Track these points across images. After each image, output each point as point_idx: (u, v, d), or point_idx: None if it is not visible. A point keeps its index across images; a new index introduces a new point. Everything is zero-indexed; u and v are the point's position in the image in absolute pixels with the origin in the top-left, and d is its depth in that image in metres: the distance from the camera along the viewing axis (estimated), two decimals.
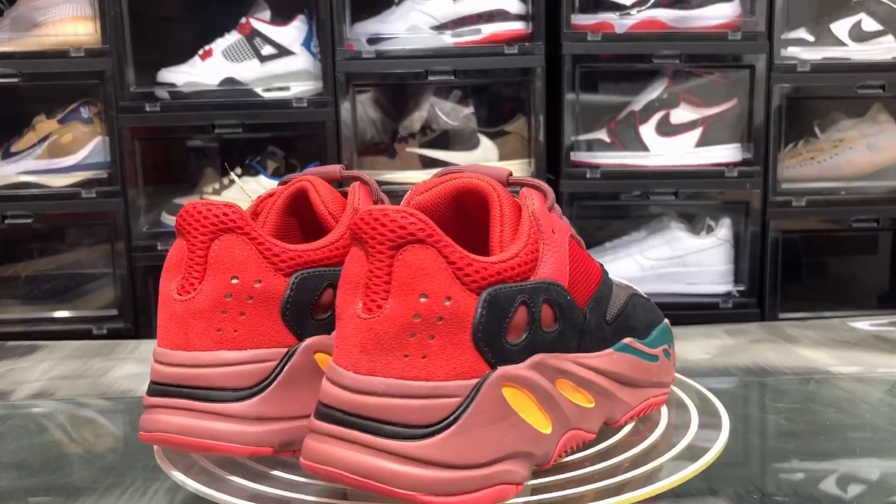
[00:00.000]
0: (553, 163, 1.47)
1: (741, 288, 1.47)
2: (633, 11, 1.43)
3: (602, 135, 1.48)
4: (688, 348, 0.83)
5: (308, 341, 0.47)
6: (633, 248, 1.48)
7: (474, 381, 0.40)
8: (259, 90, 1.44)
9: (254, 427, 0.46)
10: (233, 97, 1.43)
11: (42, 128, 1.47)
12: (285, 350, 0.47)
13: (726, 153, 1.46)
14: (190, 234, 0.46)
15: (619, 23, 1.42)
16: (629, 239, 1.50)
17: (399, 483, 0.39)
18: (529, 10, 1.43)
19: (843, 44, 1.46)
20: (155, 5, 1.55)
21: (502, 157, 1.49)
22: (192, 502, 0.51)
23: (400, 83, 1.51)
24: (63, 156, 1.45)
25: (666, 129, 1.46)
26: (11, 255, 1.54)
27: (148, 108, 1.41)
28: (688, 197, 1.46)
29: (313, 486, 0.47)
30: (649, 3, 1.43)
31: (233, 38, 1.46)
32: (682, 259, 1.46)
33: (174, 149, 1.66)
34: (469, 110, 1.51)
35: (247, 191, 1.44)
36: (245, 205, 0.51)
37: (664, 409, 0.57)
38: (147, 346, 0.90)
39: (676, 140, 1.46)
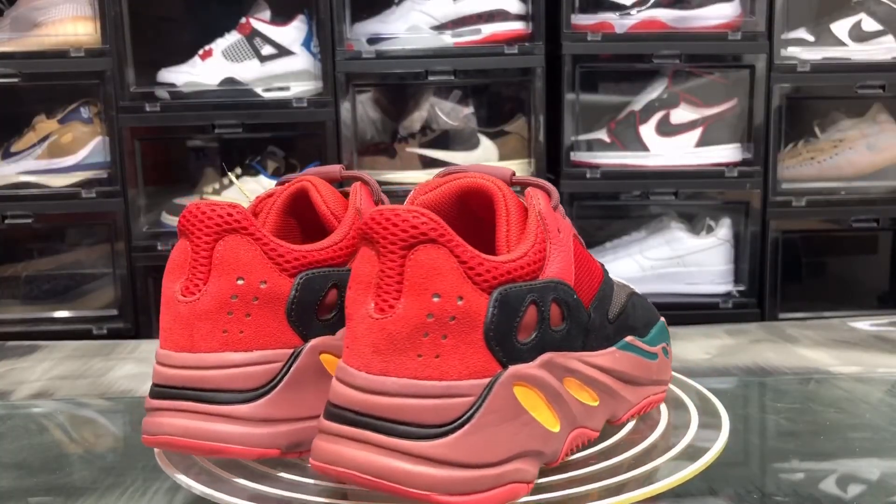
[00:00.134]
0: (553, 163, 1.47)
1: (741, 288, 1.47)
2: (633, 11, 1.43)
3: (602, 135, 1.48)
4: (688, 348, 0.83)
5: (313, 342, 0.47)
6: (633, 248, 1.48)
7: (486, 380, 0.41)
8: (259, 90, 1.44)
9: (261, 429, 0.45)
10: (233, 97, 1.43)
11: (42, 128, 1.47)
12: (291, 351, 0.47)
13: (726, 153, 1.46)
14: (194, 234, 0.45)
15: (619, 23, 1.42)
16: (629, 239, 1.50)
17: (413, 483, 0.39)
18: (529, 10, 1.43)
19: (843, 44, 1.46)
20: (155, 5, 1.55)
21: (502, 157, 1.49)
22: (193, 502, 0.51)
23: (400, 83, 1.51)
24: (63, 156, 1.45)
25: (666, 129, 1.46)
26: (11, 255, 1.54)
27: (148, 108, 1.41)
28: (688, 197, 1.46)
29: (314, 486, 0.47)
30: (649, 3, 1.43)
31: (233, 38, 1.46)
32: (682, 259, 1.46)
33: (174, 149, 1.66)
34: (469, 110, 1.51)
35: (245, 191, 1.44)
36: (244, 205, 0.51)
37: (664, 409, 0.57)
38: (147, 346, 0.90)
39: (676, 140, 1.46)
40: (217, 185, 1.48)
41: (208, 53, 1.45)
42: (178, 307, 0.46)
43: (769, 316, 1.45)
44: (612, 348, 0.50)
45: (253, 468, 0.48)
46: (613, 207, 1.53)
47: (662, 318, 0.56)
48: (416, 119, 1.50)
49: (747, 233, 1.46)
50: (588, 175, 1.43)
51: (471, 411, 0.40)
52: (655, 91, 1.47)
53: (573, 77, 1.42)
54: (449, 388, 0.40)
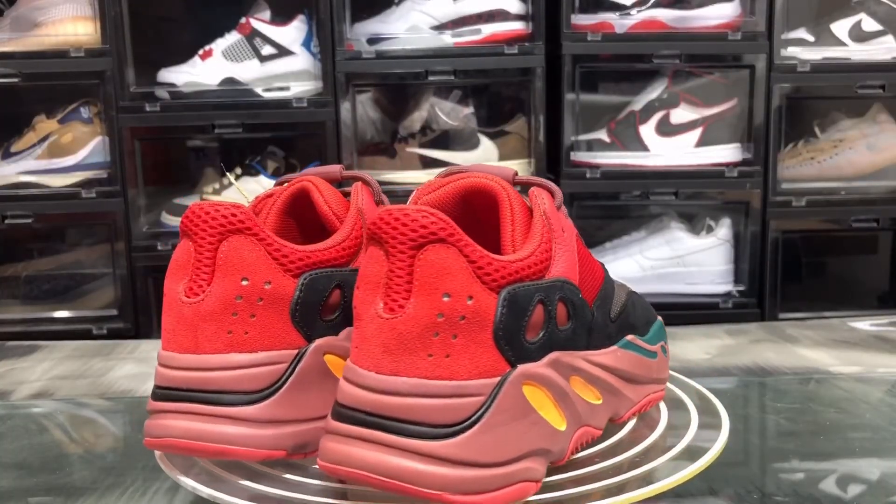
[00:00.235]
0: (553, 163, 1.47)
1: (741, 288, 1.47)
2: (633, 11, 1.43)
3: (602, 135, 1.48)
4: (688, 348, 0.83)
5: (317, 342, 0.47)
6: (633, 248, 1.48)
7: (496, 379, 0.41)
8: (259, 90, 1.44)
9: (267, 430, 0.45)
10: (233, 97, 1.43)
11: (42, 128, 1.47)
12: (295, 352, 0.46)
13: (726, 153, 1.46)
14: (197, 235, 0.45)
15: (619, 23, 1.42)
16: (629, 239, 1.50)
17: (425, 483, 0.39)
18: (529, 10, 1.43)
19: (843, 44, 1.46)
20: (155, 5, 1.55)
21: (502, 157, 1.49)
22: (192, 502, 0.51)
23: (400, 83, 1.51)
24: (63, 156, 1.45)
25: (666, 129, 1.46)
26: (11, 255, 1.54)
27: (148, 108, 1.41)
28: (688, 197, 1.46)
29: (313, 485, 0.47)
30: (649, 3, 1.43)
31: (233, 38, 1.46)
32: (682, 259, 1.46)
33: (174, 149, 1.66)
34: (469, 110, 1.51)
35: (243, 192, 1.44)
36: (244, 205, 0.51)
37: (664, 409, 0.57)
38: (147, 346, 0.90)
39: (676, 140, 1.46)
40: (217, 185, 1.48)
41: (208, 53, 1.45)
42: (182, 308, 0.45)
43: (769, 316, 1.45)
44: (615, 347, 0.50)
45: (253, 468, 0.48)
46: (613, 207, 1.53)
47: (660, 317, 0.57)
48: (416, 119, 1.50)
49: (747, 233, 1.46)
50: (588, 175, 1.43)
51: (481, 411, 0.40)
52: (655, 91, 1.47)
53: (573, 77, 1.42)
54: (459, 388, 0.40)
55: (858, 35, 1.45)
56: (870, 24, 1.45)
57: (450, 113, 1.50)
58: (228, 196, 1.45)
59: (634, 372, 0.52)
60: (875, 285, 1.62)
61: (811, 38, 1.46)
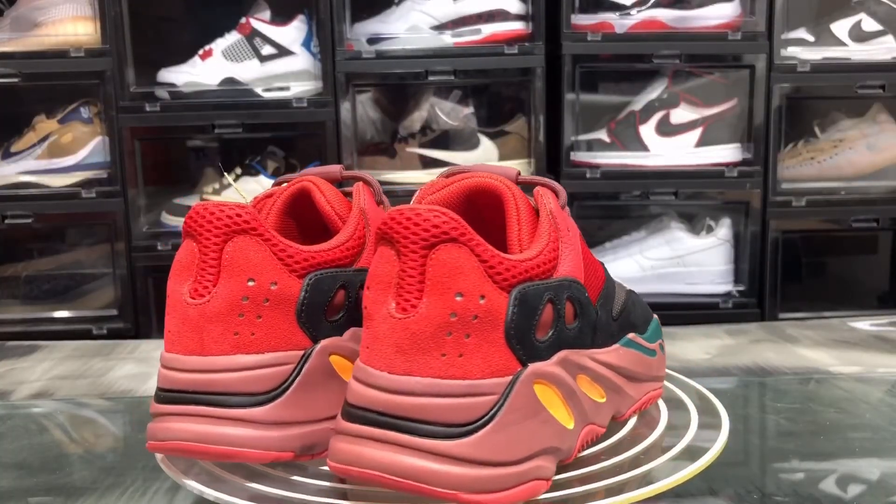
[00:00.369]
0: (553, 163, 1.47)
1: (741, 288, 1.47)
2: (633, 11, 1.43)
3: (602, 135, 1.48)
4: (688, 348, 0.83)
5: (323, 343, 0.47)
6: (633, 248, 1.48)
7: (508, 378, 0.41)
8: (259, 90, 1.44)
9: (274, 432, 0.45)
10: (233, 97, 1.43)
11: (42, 128, 1.47)
12: (301, 352, 0.46)
13: (726, 153, 1.46)
14: (202, 235, 0.45)
15: (619, 23, 1.42)
16: (629, 239, 1.50)
17: (439, 482, 0.39)
18: (529, 10, 1.43)
19: (843, 44, 1.46)
20: (155, 5, 1.55)
21: (502, 157, 1.49)
22: (193, 502, 0.51)
23: (400, 83, 1.51)
24: (63, 156, 1.45)
25: (666, 129, 1.46)
26: (11, 255, 1.54)
27: (148, 108, 1.41)
28: (688, 197, 1.46)
29: (313, 485, 0.47)
30: (649, 3, 1.43)
31: (233, 38, 1.46)
32: (682, 259, 1.46)
33: (174, 149, 1.66)
34: (469, 110, 1.51)
35: (242, 192, 1.44)
36: None
37: (664, 409, 0.57)
38: (147, 346, 0.90)
39: (676, 140, 1.46)
40: (217, 185, 1.48)
41: (208, 53, 1.45)
42: (187, 310, 0.45)
43: (769, 316, 1.45)
44: (617, 345, 0.51)
45: (253, 468, 0.48)
46: (613, 207, 1.53)
47: (655, 315, 0.57)
48: (416, 119, 1.50)
49: (747, 233, 1.46)
50: (588, 175, 1.43)
51: (494, 410, 0.40)
52: (655, 91, 1.47)
53: (573, 77, 1.42)
54: (472, 387, 0.40)
55: (858, 35, 1.45)
56: (870, 24, 1.45)
57: (450, 113, 1.50)
58: (228, 196, 1.45)
59: (636, 370, 0.52)
60: (875, 285, 1.62)
61: (811, 38, 1.46)
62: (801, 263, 1.60)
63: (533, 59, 1.42)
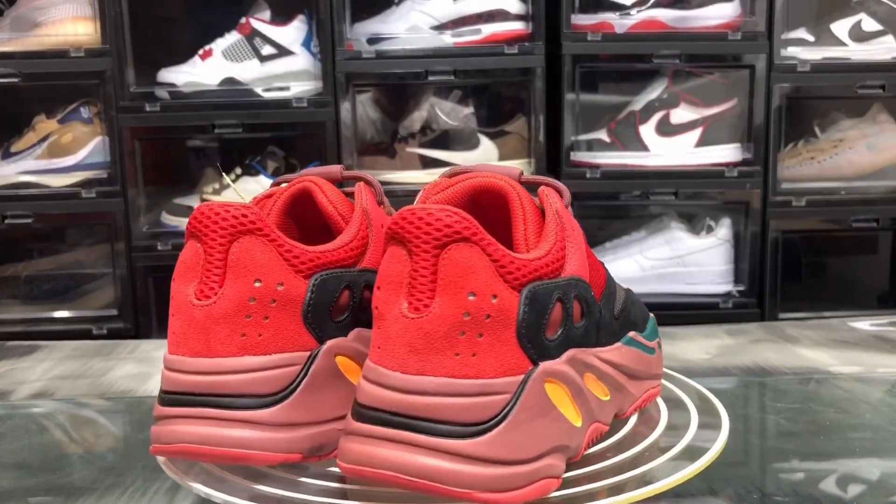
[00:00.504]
0: (553, 163, 1.47)
1: (741, 288, 1.47)
2: (633, 11, 1.43)
3: (602, 135, 1.48)
4: (688, 348, 0.83)
5: (329, 344, 0.47)
6: (633, 248, 1.48)
7: (520, 377, 0.41)
8: (259, 90, 1.44)
9: (282, 433, 0.44)
10: (233, 97, 1.43)
11: (42, 128, 1.47)
12: (308, 353, 0.46)
13: (726, 153, 1.46)
14: (207, 236, 0.44)
15: (619, 23, 1.42)
16: (629, 239, 1.50)
17: (455, 481, 0.39)
18: (529, 10, 1.43)
19: (843, 44, 1.46)
20: (155, 5, 1.55)
21: (502, 157, 1.49)
22: (193, 502, 0.51)
23: (400, 83, 1.51)
24: (63, 156, 1.45)
25: (666, 129, 1.46)
26: (11, 255, 1.54)
27: (148, 108, 1.41)
28: (688, 197, 1.46)
29: (313, 485, 0.47)
30: (649, 3, 1.43)
31: (233, 38, 1.46)
32: (682, 259, 1.46)
33: (174, 149, 1.66)
34: (469, 110, 1.51)
35: (240, 193, 1.44)
36: None
37: (664, 409, 0.57)
38: (147, 346, 0.90)
39: (676, 140, 1.46)
40: (217, 186, 1.48)
41: (208, 53, 1.45)
42: (193, 311, 0.44)
43: (769, 316, 1.45)
44: (619, 344, 0.51)
45: (253, 468, 0.48)
46: (613, 207, 1.53)
47: (652, 314, 0.57)
48: (416, 119, 1.50)
49: (747, 233, 1.46)
50: (588, 175, 1.43)
51: (507, 408, 0.40)
52: (655, 91, 1.47)
53: (573, 77, 1.42)
54: (485, 386, 0.40)
55: (858, 35, 1.45)
56: (870, 24, 1.45)
57: (450, 113, 1.50)
58: (228, 196, 1.45)
59: (637, 368, 0.52)
60: (875, 285, 1.62)
61: (811, 38, 1.46)
62: (801, 263, 1.60)
63: (533, 59, 1.42)
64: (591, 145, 1.48)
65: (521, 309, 0.41)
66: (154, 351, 0.88)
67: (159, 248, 1.42)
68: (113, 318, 1.45)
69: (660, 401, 0.57)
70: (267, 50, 1.46)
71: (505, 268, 0.41)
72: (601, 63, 1.47)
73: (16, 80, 1.40)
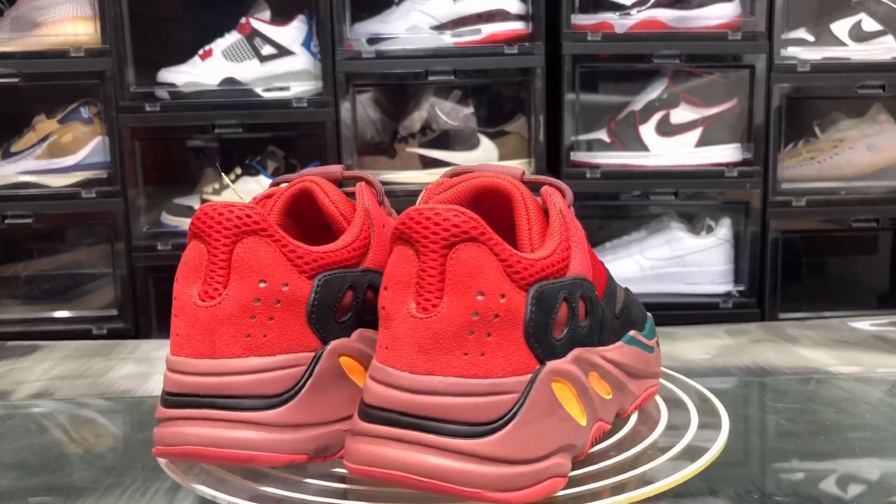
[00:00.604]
0: (553, 163, 1.47)
1: (741, 288, 1.47)
2: (633, 11, 1.43)
3: (602, 135, 1.48)
4: (688, 348, 0.83)
5: (333, 344, 0.47)
6: (633, 248, 1.48)
7: (527, 376, 0.41)
8: (259, 90, 1.44)
9: (288, 434, 0.44)
10: (233, 97, 1.43)
11: (42, 128, 1.47)
12: (312, 354, 0.46)
13: (726, 153, 1.46)
14: (211, 237, 0.44)
15: (619, 23, 1.42)
16: (629, 239, 1.50)
17: (465, 481, 0.39)
18: (529, 10, 1.43)
19: (843, 44, 1.46)
20: (155, 5, 1.55)
21: (502, 157, 1.49)
22: (193, 502, 0.51)
23: (400, 83, 1.51)
24: (63, 156, 1.45)
25: (666, 129, 1.46)
26: (11, 255, 1.54)
27: (148, 108, 1.41)
28: (688, 197, 1.46)
29: (313, 485, 0.47)
30: (649, 3, 1.43)
31: (233, 38, 1.46)
32: (682, 259, 1.46)
33: (174, 149, 1.66)
34: (469, 110, 1.51)
35: (239, 193, 1.44)
36: None
37: (664, 409, 0.57)
38: (147, 346, 0.90)
39: (676, 140, 1.46)
40: (217, 186, 1.48)
41: (208, 53, 1.45)
42: (197, 312, 0.44)
43: (769, 316, 1.45)
44: (620, 342, 0.51)
45: (253, 468, 0.48)
46: (613, 207, 1.53)
47: (649, 314, 0.58)
48: (416, 119, 1.50)
49: (747, 233, 1.46)
50: (588, 175, 1.43)
51: (515, 408, 0.40)
52: (655, 91, 1.47)
53: (573, 77, 1.42)
54: (494, 386, 0.40)
55: (858, 35, 1.45)
56: (870, 24, 1.46)
57: (450, 113, 1.50)
58: (228, 196, 1.45)
59: (637, 366, 0.53)
60: (875, 285, 1.62)
61: (811, 38, 1.46)
62: (801, 263, 1.60)
63: (533, 59, 1.42)
64: (591, 145, 1.48)
65: (529, 308, 0.41)
66: (154, 351, 0.88)
67: (159, 248, 1.42)
68: (113, 318, 1.45)
69: (660, 401, 0.57)
70: (267, 50, 1.46)
71: (512, 267, 0.41)
72: (601, 63, 1.47)
73: (16, 80, 1.40)
